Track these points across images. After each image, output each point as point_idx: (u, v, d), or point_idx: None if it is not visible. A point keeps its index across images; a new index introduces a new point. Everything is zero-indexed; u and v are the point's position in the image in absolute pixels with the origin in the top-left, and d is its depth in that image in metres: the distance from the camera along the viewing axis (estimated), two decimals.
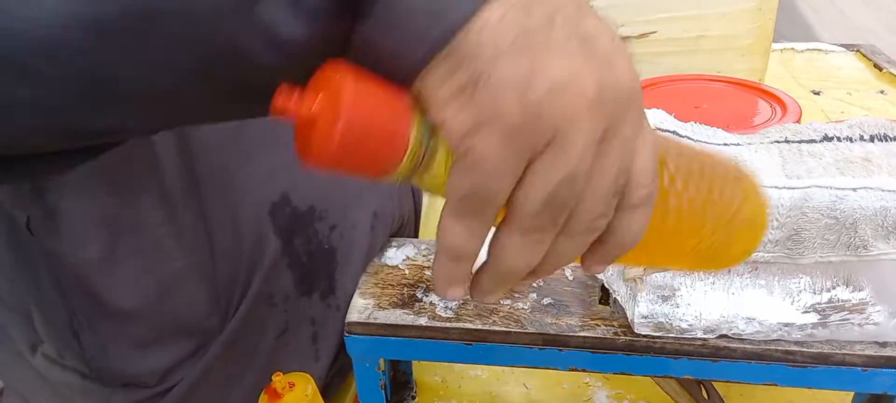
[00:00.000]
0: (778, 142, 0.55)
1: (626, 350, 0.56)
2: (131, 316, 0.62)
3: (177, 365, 0.64)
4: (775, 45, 1.52)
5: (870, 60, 1.52)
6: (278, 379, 0.49)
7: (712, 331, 0.54)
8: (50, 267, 0.61)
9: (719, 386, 0.66)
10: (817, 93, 1.38)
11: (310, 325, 0.70)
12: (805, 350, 0.53)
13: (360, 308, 0.60)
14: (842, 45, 1.61)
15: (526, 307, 0.59)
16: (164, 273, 0.60)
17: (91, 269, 0.59)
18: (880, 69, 1.47)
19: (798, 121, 0.90)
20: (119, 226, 0.58)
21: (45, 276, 0.63)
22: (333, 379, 0.74)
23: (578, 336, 0.56)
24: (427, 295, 0.61)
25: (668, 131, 0.55)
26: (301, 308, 0.68)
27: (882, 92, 1.38)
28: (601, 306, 0.59)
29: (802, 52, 1.60)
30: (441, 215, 0.31)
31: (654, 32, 1.18)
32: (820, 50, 1.61)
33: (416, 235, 0.82)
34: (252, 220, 0.62)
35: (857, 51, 1.58)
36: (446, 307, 0.60)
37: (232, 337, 0.65)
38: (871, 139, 0.53)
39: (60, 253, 0.58)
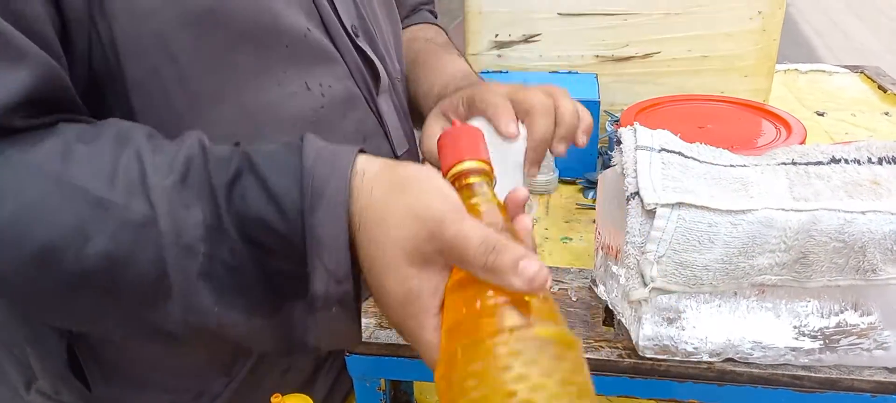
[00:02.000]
0: (785, 163, 0.54)
1: (630, 372, 0.55)
2: (136, 356, 0.62)
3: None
4: (779, 67, 1.51)
5: (874, 82, 1.51)
6: (277, 401, 0.48)
7: (718, 355, 0.53)
8: None
9: None
10: (821, 115, 1.38)
11: (311, 362, 0.69)
12: (813, 375, 0.52)
13: (362, 327, 0.59)
14: (846, 67, 1.61)
15: None
16: None
17: None
18: (885, 90, 1.47)
19: (803, 142, 0.90)
20: None
21: None
22: (334, 399, 0.74)
23: None
24: None
25: (674, 151, 0.54)
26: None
27: (887, 113, 1.38)
28: (605, 327, 0.58)
29: (806, 73, 1.60)
30: None
31: (659, 53, 1.18)
32: (824, 71, 1.61)
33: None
34: None
35: (862, 72, 1.58)
36: None
37: (237, 388, 0.64)
38: (880, 162, 0.53)
39: None
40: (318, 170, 0.44)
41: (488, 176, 0.44)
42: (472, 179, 0.43)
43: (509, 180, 0.58)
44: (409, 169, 0.44)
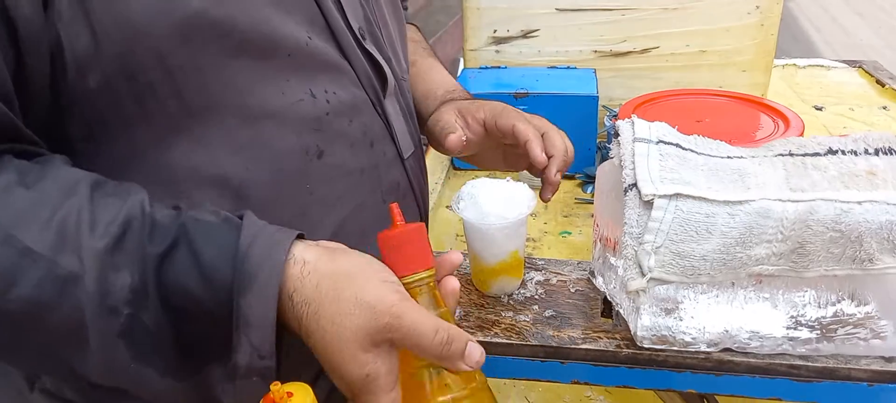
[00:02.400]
0: (782, 155, 0.54)
1: (628, 363, 0.55)
2: None
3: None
4: (778, 61, 1.52)
5: (872, 76, 1.52)
6: (276, 389, 0.48)
7: (716, 345, 0.53)
8: None
9: (723, 400, 0.66)
10: (820, 109, 1.38)
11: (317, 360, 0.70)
12: (810, 364, 0.53)
13: None
14: (844, 62, 1.62)
15: (528, 319, 0.59)
16: None
17: None
18: (882, 85, 1.47)
19: (802, 135, 0.90)
20: None
21: None
22: (332, 392, 0.74)
23: (581, 349, 0.56)
24: None
25: (671, 143, 0.55)
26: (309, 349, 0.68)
27: (884, 108, 1.38)
28: (603, 318, 0.59)
29: (805, 68, 1.61)
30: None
31: (657, 48, 1.18)
32: (822, 66, 1.61)
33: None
34: None
35: (860, 67, 1.58)
36: None
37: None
38: (876, 152, 0.53)
39: None
40: (254, 253, 0.46)
41: (432, 277, 0.49)
42: (421, 284, 0.48)
43: (514, 208, 0.61)
44: (350, 259, 0.48)
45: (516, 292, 0.62)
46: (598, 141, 1.13)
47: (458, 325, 0.50)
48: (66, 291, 0.44)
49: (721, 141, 0.57)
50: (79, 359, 0.46)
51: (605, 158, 0.60)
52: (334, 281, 0.47)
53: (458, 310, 0.60)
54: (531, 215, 0.63)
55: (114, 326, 0.45)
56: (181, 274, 0.46)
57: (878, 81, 1.49)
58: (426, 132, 0.74)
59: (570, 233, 1.01)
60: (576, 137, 1.09)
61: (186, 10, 0.50)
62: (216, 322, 0.46)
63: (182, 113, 0.53)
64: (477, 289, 0.63)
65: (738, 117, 0.98)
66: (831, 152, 0.54)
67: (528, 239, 1.00)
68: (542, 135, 0.65)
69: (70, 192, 0.46)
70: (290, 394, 0.48)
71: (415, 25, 0.92)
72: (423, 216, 0.79)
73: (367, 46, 0.65)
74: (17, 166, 0.47)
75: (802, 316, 0.52)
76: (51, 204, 0.45)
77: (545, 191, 0.65)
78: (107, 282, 0.45)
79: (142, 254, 0.46)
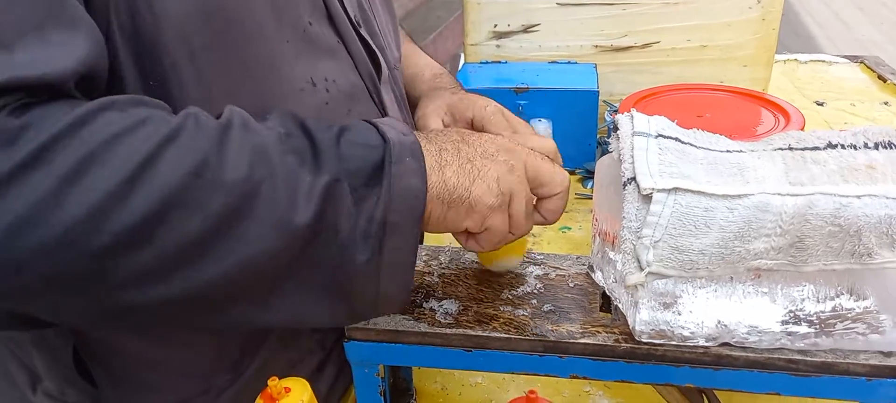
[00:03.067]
0: (781, 149, 0.54)
1: (627, 357, 0.55)
2: (142, 357, 0.62)
3: (188, 400, 0.64)
4: (779, 56, 1.52)
5: (874, 72, 1.51)
6: (274, 384, 0.48)
7: (714, 339, 0.53)
8: None
9: (721, 395, 0.66)
10: (821, 104, 1.38)
11: (320, 351, 0.70)
12: (808, 359, 0.53)
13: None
14: (846, 57, 1.61)
15: (526, 314, 0.59)
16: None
17: None
18: (884, 80, 1.47)
19: (802, 130, 0.90)
20: None
21: None
22: (334, 386, 0.74)
23: (579, 344, 0.56)
24: (427, 301, 0.61)
25: (671, 138, 0.54)
26: (313, 342, 0.68)
27: (886, 103, 1.38)
28: (602, 313, 0.59)
29: (806, 63, 1.60)
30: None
31: (658, 42, 1.18)
32: (824, 61, 1.61)
33: (419, 242, 0.81)
34: None
35: (861, 62, 1.58)
36: (446, 313, 0.59)
37: (245, 383, 0.64)
38: (876, 146, 0.53)
39: None
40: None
41: None
42: None
43: None
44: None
45: (515, 286, 0.62)
46: (598, 136, 1.13)
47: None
48: (232, 135, 0.46)
49: (721, 135, 0.57)
50: (262, 203, 0.45)
51: (605, 153, 0.59)
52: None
53: (457, 303, 0.60)
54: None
55: (280, 145, 0.48)
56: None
57: (879, 77, 1.49)
58: (415, 120, 0.74)
59: (569, 229, 1.01)
60: (576, 132, 1.10)
61: None
62: (367, 130, 0.52)
63: (202, 98, 0.53)
64: (476, 283, 0.63)
65: (739, 112, 0.98)
66: (831, 146, 0.54)
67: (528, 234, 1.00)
68: None
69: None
70: (287, 390, 0.48)
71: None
72: None
73: (362, 33, 0.65)
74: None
75: (801, 310, 0.52)
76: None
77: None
78: (267, 125, 0.49)
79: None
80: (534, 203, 0.58)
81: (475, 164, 0.54)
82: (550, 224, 0.60)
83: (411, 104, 0.78)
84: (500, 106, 0.72)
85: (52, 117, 0.40)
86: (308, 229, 0.47)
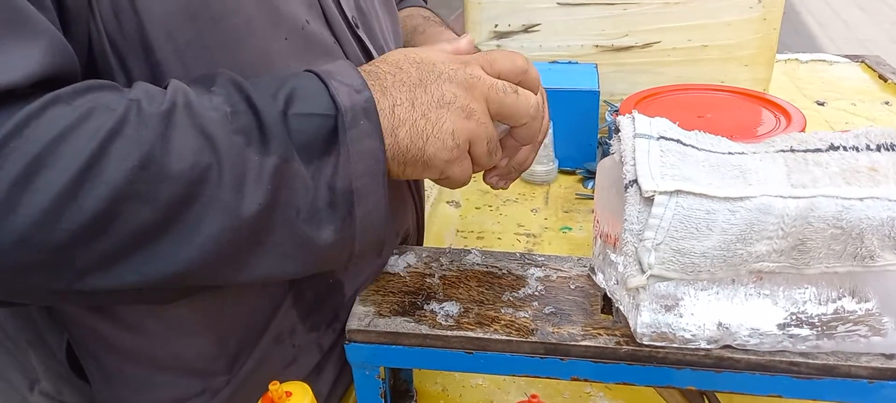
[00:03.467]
0: (783, 151, 0.54)
1: (628, 359, 0.55)
2: (136, 354, 0.62)
3: (184, 400, 0.64)
4: (780, 56, 1.51)
5: (875, 71, 1.51)
6: (275, 388, 0.48)
7: (716, 341, 0.53)
8: (49, 307, 0.61)
9: (723, 397, 0.65)
10: (822, 104, 1.38)
11: (317, 351, 0.70)
12: (810, 361, 0.53)
13: (361, 315, 0.59)
14: (846, 56, 1.61)
15: (527, 316, 0.59)
16: (169, 317, 0.60)
17: (92, 312, 0.59)
18: (885, 80, 1.47)
19: (804, 130, 0.90)
20: None
21: (39, 316, 0.63)
22: (334, 387, 0.74)
23: (580, 346, 0.56)
24: (428, 303, 0.61)
25: (672, 139, 0.54)
26: (310, 341, 0.68)
27: (887, 103, 1.37)
28: (603, 315, 0.59)
29: (807, 62, 1.60)
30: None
31: (659, 42, 1.18)
32: (824, 61, 1.61)
33: (420, 243, 0.82)
34: None
35: (862, 62, 1.57)
36: (447, 315, 0.59)
37: (241, 382, 0.64)
38: (878, 148, 0.53)
39: None
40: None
41: None
42: None
43: None
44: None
45: (517, 290, 0.62)
46: (599, 136, 1.13)
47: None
48: (176, 119, 0.46)
49: (722, 136, 0.57)
50: (212, 192, 0.47)
51: (606, 153, 0.60)
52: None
53: (457, 306, 0.60)
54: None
55: (226, 125, 0.48)
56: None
57: (880, 76, 1.49)
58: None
59: (570, 229, 1.01)
60: (577, 132, 1.10)
61: None
62: (313, 85, 0.51)
63: None
64: (476, 285, 0.63)
65: (740, 112, 0.97)
66: (833, 148, 0.53)
67: (528, 235, 1.00)
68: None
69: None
70: (289, 394, 0.48)
71: (430, 9, 0.92)
72: (418, 207, 0.79)
73: (360, 34, 0.65)
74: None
75: (803, 313, 0.52)
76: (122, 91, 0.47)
77: (489, 175, 0.66)
78: (212, 101, 0.48)
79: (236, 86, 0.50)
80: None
81: (429, 119, 0.54)
82: (530, 143, 0.62)
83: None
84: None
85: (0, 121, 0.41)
86: (261, 212, 0.48)
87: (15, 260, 0.43)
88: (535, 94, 0.60)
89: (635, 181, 0.52)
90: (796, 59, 1.61)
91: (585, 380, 0.57)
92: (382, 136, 0.52)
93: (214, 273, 0.50)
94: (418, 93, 0.54)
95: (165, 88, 0.48)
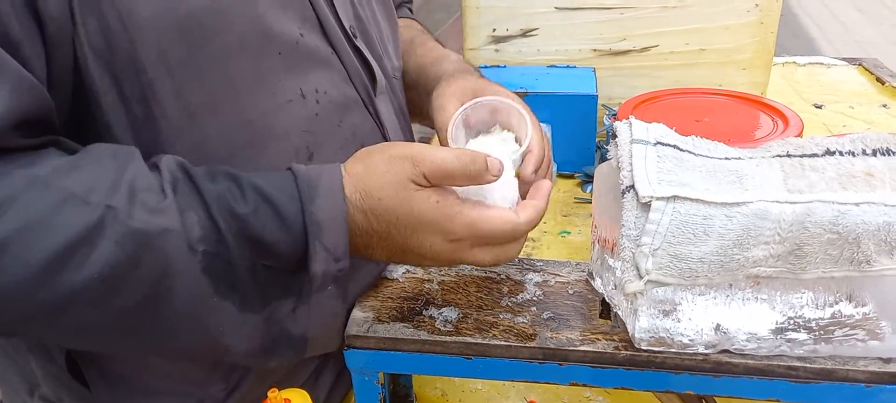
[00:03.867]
0: (780, 156, 0.54)
1: (626, 364, 0.55)
2: (137, 362, 0.62)
3: None
4: (778, 59, 1.52)
5: (872, 74, 1.52)
6: (274, 396, 0.48)
7: (713, 346, 0.53)
8: None
9: (721, 402, 0.66)
10: (820, 107, 1.38)
11: (315, 357, 0.70)
12: (808, 365, 0.53)
13: (360, 321, 0.60)
14: (844, 59, 1.61)
15: (526, 321, 0.59)
16: None
17: None
18: (883, 83, 1.47)
19: (800, 135, 0.90)
20: None
21: None
22: (332, 392, 0.74)
23: (579, 351, 0.56)
24: (427, 309, 0.61)
25: (669, 145, 0.54)
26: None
27: (884, 105, 1.38)
28: (602, 320, 0.59)
29: (805, 65, 1.60)
30: None
31: (656, 46, 1.18)
32: (822, 64, 1.61)
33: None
34: None
35: (860, 64, 1.58)
36: (446, 320, 0.59)
37: (241, 390, 0.65)
38: (874, 153, 0.53)
39: None
40: (310, 171, 0.51)
41: None
42: None
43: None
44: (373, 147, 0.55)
45: (515, 295, 0.62)
46: (597, 140, 1.13)
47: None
48: (150, 242, 0.46)
49: (719, 141, 0.57)
50: (162, 312, 0.48)
51: (604, 157, 0.60)
52: (366, 157, 0.53)
53: (456, 311, 0.60)
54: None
55: (194, 264, 0.47)
56: (249, 201, 0.49)
57: (878, 79, 1.49)
58: (432, 99, 0.70)
59: (569, 233, 1.01)
60: (575, 136, 1.10)
61: (188, 7, 0.51)
62: (290, 237, 0.50)
63: (182, 113, 0.53)
64: (475, 290, 0.63)
65: (738, 116, 0.98)
66: (829, 153, 0.54)
67: (527, 239, 1.00)
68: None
69: (127, 158, 0.48)
70: (287, 400, 0.48)
71: (418, 21, 0.91)
72: None
73: (357, 44, 0.65)
74: (65, 147, 0.49)
75: (800, 317, 0.52)
76: (115, 169, 0.47)
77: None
78: (183, 224, 0.47)
79: (199, 196, 0.49)
80: None
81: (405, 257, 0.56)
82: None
83: (431, 85, 0.75)
84: (518, 99, 0.69)
85: None
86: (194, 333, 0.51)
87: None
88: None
89: (632, 186, 0.52)
90: (794, 62, 1.62)
91: (584, 385, 0.57)
92: (346, 297, 0.55)
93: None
94: (397, 255, 0.55)
95: (154, 189, 0.48)
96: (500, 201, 0.55)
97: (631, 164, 0.53)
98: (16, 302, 0.45)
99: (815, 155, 0.54)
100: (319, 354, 0.58)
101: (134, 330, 0.49)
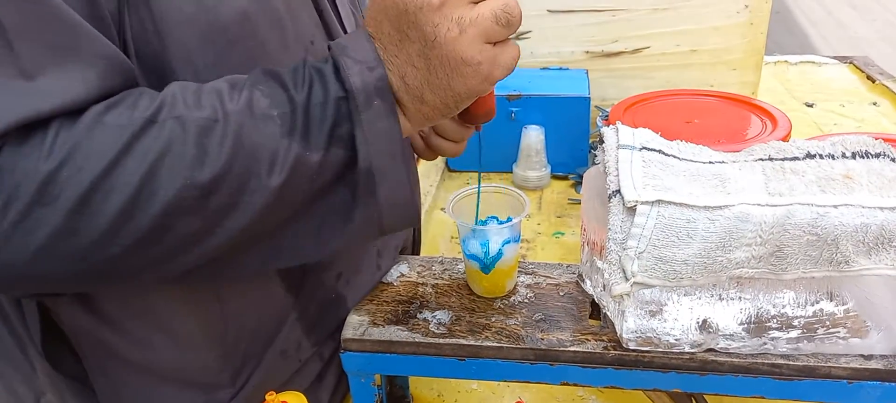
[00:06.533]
0: (762, 159, 0.56)
1: (615, 364, 0.57)
2: (143, 367, 0.63)
3: None
4: (769, 58, 1.53)
5: (863, 72, 1.53)
6: (272, 399, 0.50)
7: (699, 345, 0.55)
8: (55, 322, 0.62)
9: (709, 399, 0.67)
10: (811, 106, 1.40)
11: (319, 361, 0.71)
12: (791, 363, 0.54)
13: (355, 324, 0.61)
14: (835, 58, 1.63)
15: (518, 322, 0.60)
16: (176, 332, 0.61)
17: (101, 325, 0.60)
18: (873, 81, 1.48)
19: (789, 135, 0.92)
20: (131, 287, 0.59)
21: (45, 330, 0.64)
22: (334, 393, 0.75)
23: (569, 351, 0.57)
24: (421, 312, 0.62)
25: (654, 150, 0.56)
26: (313, 353, 0.69)
27: (875, 103, 1.39)
28: (592, 321, 0.60)
29: (796, 64, 1.62)
30: None
31: (648, 47, 1.20)
32: (813, 62, 1.62)
33: (417, 252, 0.83)
34: (260, 278, 0.63)
35: (851, 63, 1.59)
36: (439, 323, 0.61)
37: (245, 394, 0.66)
38: (853, 156, 0.54)
39: (69, 309, 0.59)
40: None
41: None
42: None
43: None
44: None
45: (507, 296, 0.64)
46: (590, 141, 1.14)
47: None
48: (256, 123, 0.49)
49: (703, 145, 0.59)
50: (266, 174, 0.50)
51: None
52: None
53: (449, 314, 0.61)
54: (527, 214, 0.64)
55: (275, 130, 0.50)
56: (287, 74, 0.52)
57: (868, 77, 1.50)
58: None
59: (563, 234, 1.02)
60: (568, 138, 1.12)
61: (217, 13, 0.52)
62: (327, 72, 0.51)
63: None
64: (468, 293, 0.65)
65: (728, 117, 0.99)
66: (809, 156, 0.55)
67: (521, 240, 1.01)
68: None
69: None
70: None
71: None
72: (416, 230, 0.80)
73: None
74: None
75: (783, 316, 0.54)
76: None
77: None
78: (252, 100, 0.50)
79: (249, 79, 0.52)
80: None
81: (441, 68, 0.52)
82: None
83: None
84: None
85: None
86: (281, 189, 0.51)
87: (72, 270, 0.48)
88: None
89: (618, 191, 0.53)
90: (786, 61, 1.63)
91: (575, 385, 0.59)
92: (397, 115, 0.52)
93: (253, 246, 0.53)
94: (420, 61, 0.52)
95: (202, 96, 0.50)
96: None
97: (617, 169, 0.54)
98: (121, 233, 0.47)
99: (795, 158, 0.55)
100: (397, 222, 0.56)
101: (234, 226, 0.50)
